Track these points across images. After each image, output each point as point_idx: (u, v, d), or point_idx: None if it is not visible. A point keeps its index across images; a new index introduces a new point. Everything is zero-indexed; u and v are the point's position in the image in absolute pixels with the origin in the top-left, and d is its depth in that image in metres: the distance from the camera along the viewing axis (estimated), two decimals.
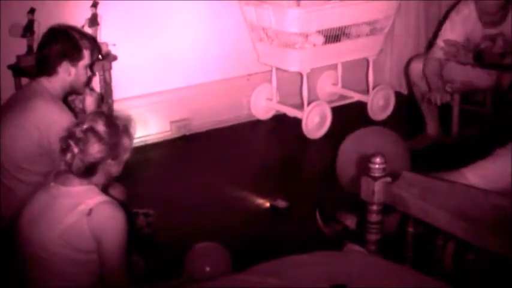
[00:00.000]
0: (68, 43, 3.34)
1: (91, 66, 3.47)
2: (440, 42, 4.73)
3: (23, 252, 2.72)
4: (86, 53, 3.37)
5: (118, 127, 2.74)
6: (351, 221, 3.63)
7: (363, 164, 3.69)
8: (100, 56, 4.14)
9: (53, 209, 2.65)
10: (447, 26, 4.73)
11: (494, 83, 4.64)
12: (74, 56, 3.34)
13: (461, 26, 4.64)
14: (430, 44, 5.17)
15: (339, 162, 4.14)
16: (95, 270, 2.69)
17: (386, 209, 2.81)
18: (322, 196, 4.06)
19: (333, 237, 3.62)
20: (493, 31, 4.59)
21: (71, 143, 2.64)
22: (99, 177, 2.72)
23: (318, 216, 3.76)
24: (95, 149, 2.65)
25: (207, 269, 3.20)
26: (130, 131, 2.81)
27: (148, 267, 3.31)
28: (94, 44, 3.49)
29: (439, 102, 4.53)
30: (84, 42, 3.37)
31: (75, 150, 2.63)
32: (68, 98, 3.52)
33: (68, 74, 3.35)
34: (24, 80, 4.37)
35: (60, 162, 2.67)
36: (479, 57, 4.58)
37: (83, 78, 3.42)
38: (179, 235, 3.73)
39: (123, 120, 2.82)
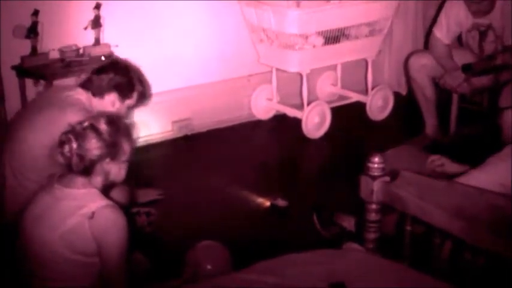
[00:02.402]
0: (125, 79, 3.46)
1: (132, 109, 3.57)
2: (436, 32, 4.77)
3: (25, 251, 2.72)
4: (135, 96, 3.50)
5: (119, 127, 2.75)
6: (348, 223, 3.62)
7: None
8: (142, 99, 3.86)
9: (56, 210, 2.65)
10: (441, 16, 4.77)
11: (492, 82, 4.67)
12: (125, 92, 3.46)
13: (453, 17, 4.69)
14: (427, 36, 5.20)
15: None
16: (94, 273, 2.69)
17: (384, 210, 2.83)
18: (319, 199, 4.06)
19: (331, 239, 3.63)
20: (481, 20, 4.60)
21: (71, 137, 2.66)
22: (98, 178, 2.72)
23: (315, 220, 3.77)
24: (93, 145, 2.66)
25: (208, 267, 3.21)
26: (131, 134, 2.83)
27: (151, 267, 3.33)
28: (146, 91, 3.59)
29: (454, 84, 4.59)
30: (138, 85, 3.50)
31: (74, 145, 2.64)
32: None
33: (111, 105, 3.44)
34: (28, 81, 4.41)
35: (58, 157, 2.67)
36: (467, 68, 4.61)
37: (123, 115, 3.48)
38: (180, 234, 3.74)
39: (125, 123, 2.85)
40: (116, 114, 3.26)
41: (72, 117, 3.21)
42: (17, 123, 3.51)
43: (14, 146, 3.39)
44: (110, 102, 3.44)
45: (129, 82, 3.48)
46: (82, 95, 3.42)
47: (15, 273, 2.79)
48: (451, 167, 3.77)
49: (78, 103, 3.38)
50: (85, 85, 3.48)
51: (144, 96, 3.58)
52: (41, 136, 3.28)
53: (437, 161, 3.77)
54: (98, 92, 3.43)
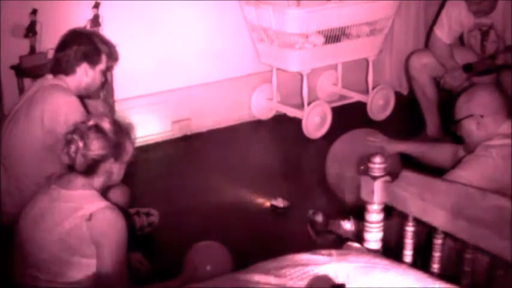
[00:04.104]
0: (90, 46, 3.44)
1: (105, 72, 3.56)
2: (437, 31, 4.76)
3: (22, 252, 2.72)
4: (104, 58, 3.48)
5: (123, 127, 2.76)
6: (343, 230, 3.60)
7: (353, 168, 3.72)
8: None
9: (54, 212, 2.65)
10: (442, 16, 4.76)
11: (494, 82, 4.65)
12: (93, 58, 3.44)
13: (455, 16, 4.68)
14: (428, 35, 5.20)
15: (328, 171, 4.06)
16: (93, 275, 2.69)
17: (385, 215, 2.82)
18: (315, 205, 4.03)
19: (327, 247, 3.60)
20: (483, 20, 4.60)
21: (75, 137, 2.66)
22: (100, 178, 2.72)
23: (309, 230, 3.74)
24: (98, 145, 2.66)
25: (208, 267, 3.20)
26: (132, 134, 2.83)
27: (151, 268, 3.33)
28: (112, 50, 3.56)
29: (455, 84, 4.59)
30: (103, 47, 3.48)
31: (80, 144, 2.65)
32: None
33: (85, 75, 3.44)
34: (27, 81, 4.39)
35: (64, 157, 2.68)
36: (468, 68, 4.60)
37: (98, 82, 3.51)
38: (180, 234, 3.74)
39: (125, 124, 2.85)
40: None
41: (60, 99, 3.31)
42: (5, 129, 3.48)
43: (6, 149, 3.39)
44: (83, 74, 3.44)
45: (94, 47, 3.45)
46: (56, 80, 3.42)
47: (13, 274, 2.78)
48: (391, 147, 3.79)
49: (55, 87, 3.38)
50: (54, 68, 3.47)
51: (112, 55, 3.55)
52: (33, 135, 3.30)
53: (376, 141, 3.85)
54: (69, 69, 3.42)
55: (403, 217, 2.78)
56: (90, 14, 4.53)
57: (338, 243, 3.48)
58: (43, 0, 4.38)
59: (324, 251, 2.74)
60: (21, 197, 3.17)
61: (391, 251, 2.81)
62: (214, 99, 5.29)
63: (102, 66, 3.48)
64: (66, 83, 3.41)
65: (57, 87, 3.38)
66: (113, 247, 2.65)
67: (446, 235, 2.64)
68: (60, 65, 3.43)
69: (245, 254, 3.24)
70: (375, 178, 2.72)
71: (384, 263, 2.61)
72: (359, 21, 5.21)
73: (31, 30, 4.33)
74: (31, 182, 3.22)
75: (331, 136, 5.11)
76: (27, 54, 4.36)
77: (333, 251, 2.79)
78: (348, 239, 3.42)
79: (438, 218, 2.56)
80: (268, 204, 4.15)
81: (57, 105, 3.28)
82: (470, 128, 3.31)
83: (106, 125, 2.70)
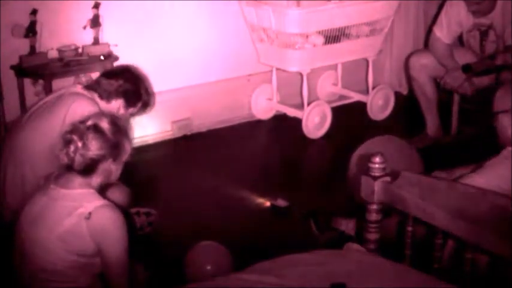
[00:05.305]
0: (134, 88, 3.52)
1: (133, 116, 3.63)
2: (436, 31, 4.76)
3: (23, 252, 2.71)
4: (139, 105, 3.56)
5: (121, 127, 2.76)
6: (346, 226, 3.59)
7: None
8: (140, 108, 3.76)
9: (53, 211, 2.65)
10: (442, 16, 4.77)
11: (494, 82, 4.66)
12: (131, 101, 3.52)
13: (454, 16, 4.69)
14: (428, 35, 5.20)
15: (350, 173, 4.01)
16: (93, 274, 2.69)
17: (384, 214, 2.82)
18: (318, 201, 4.04)
19: (329, 244, 3.60)
20: (482, 20, 4.60)
21: (74, 137, 2.65)
22: (99, 178, 2.71)
23: (312, 226, 3.74)
24: (97, 145, 2.65)
25: (208, 267, 3.22)
26: (130, 134, 2.83)
27: (151, 275, 3.29)
28: (150, 103, 3.64)
29: (455, 84, 4.60)
30: (145, 97, 3.57)
31: (78, 144, 2.64)
32: None
33: (116, 109, 3.49)
34: (27, 81, 4.41)
35: (63, 157, 2.67)
36: (467, 69, 4.60)
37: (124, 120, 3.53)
38: (180, 234, 3.74)
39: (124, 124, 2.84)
40: (115, 115, 3.28)
41: (86, 108, 3.30)
42: (21, 124, 3.52)
43: (25, 142, 3.41)
44: (116, 108, 3.49)
45: (137, 91, 3.54)
46: (85, 92, 3.47)
47: (14, 273, 2.77)
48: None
49: (83, 94, 3.45)
50: (92, 87, 3.54)
51: (146, 106, 3.64)
52: (50, 134, 3.29)
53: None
54: (105, 96, 3.49)
55: (403, 217, 2.80)
56: (90, 14, 4.53)
57: (339, 243, 3.50)
58: (43, 0, 4.38)
59: (324, 251, 2.75)
60: (24, 194, 3.18)
61: (391, 251, 2.82)
62: (214, 99, 5.29)
63: (133, 111, 3.56)
64: (95, 100, 3.46)
65: (86, 97, 3.44)
66: (114, 244, 2.65)
67: (446, 235, 2.65)
68: (99, 88, 3.50)
69: (245, 254, 3.24)
70: (375, 178, 2.73)
71: (383, 262, 2.62)
72: (359, 21, 5.21)
73: (31, 30, 4.32)
74: (35, 181, 3.20)
75: (331, 136, 5.15)
76: (27, 54, 4.36)
77: (333, 251, 2.80)
78: (348, 239, 3.43)
79: (438, 218, 2.57)
80: (268, 204, 4.15)
81: (81, 115, 3.28)
82: (504, 124, 3.28)
83: (105, 124, 2.70)
